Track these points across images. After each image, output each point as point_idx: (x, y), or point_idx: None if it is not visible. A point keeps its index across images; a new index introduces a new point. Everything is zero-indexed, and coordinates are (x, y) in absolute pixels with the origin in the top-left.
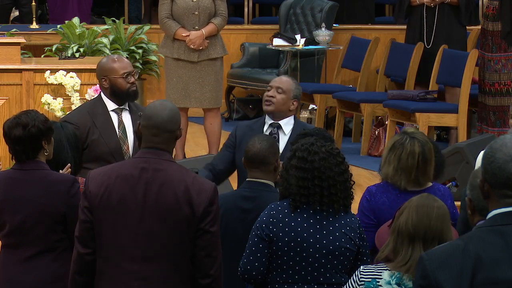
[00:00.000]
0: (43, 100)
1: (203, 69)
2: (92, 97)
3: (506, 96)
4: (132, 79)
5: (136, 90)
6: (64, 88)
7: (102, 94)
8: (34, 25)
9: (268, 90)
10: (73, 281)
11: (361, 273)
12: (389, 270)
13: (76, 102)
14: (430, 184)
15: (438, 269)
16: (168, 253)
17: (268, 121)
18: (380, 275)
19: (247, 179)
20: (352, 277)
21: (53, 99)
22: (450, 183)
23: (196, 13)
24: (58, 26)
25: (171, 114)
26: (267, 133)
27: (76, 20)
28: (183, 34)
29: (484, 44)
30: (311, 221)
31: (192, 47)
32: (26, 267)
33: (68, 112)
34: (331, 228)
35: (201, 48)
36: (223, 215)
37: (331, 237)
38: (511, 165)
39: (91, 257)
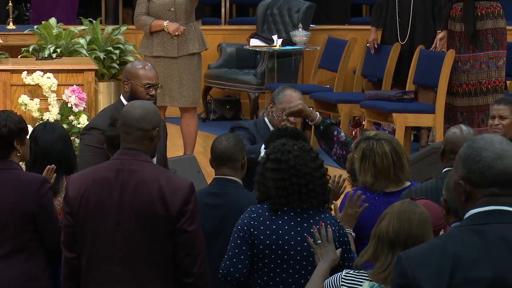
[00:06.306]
0: (20, 100)
1: (182, 66)
2: (69, 97)
3: (474, 96)
4: (153, 92)
5: (154, 103)
6: (41, 89)
7: (122, 98)
8: (11, 26)
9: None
10: (64, 286)
11: (342, 279)
12: (369, 280)
13: (53, 102)
14: (408, 183)
15: (416, 268)
16: (148, 254)
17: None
18: (361, 285)
19: (215, 176)
20: (333, 278)
21: (30, 99)
22: None
23: (172, 9)
24: (35, 26)
25: (143, 112)
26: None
27: (53, 20)
28: (159, 23)
29: (452, 45)
30: (292, 223)
31: (171, 32)
32: None
33: (92, 119)
34: (311, 230)
35: (177, 33)
36: None
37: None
38: (499, 162)
39: (77, 261)
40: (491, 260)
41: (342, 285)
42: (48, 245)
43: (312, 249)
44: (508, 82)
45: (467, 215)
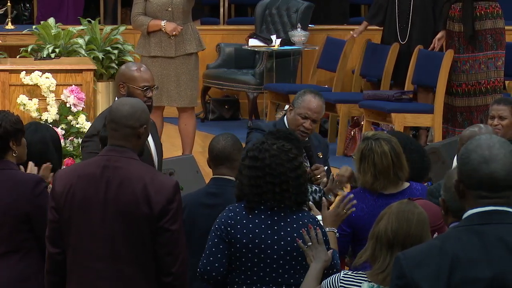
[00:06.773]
0: (18, 100)
1: (179, 66)
2: (68, 97)
3: (473, 96)
4: (150, 94)
5: (151, 105)
6: (40, 89)
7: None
8: (10, 26)
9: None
10: (47, 280)
11: (341, 280)
12: (368, 281)
13: (51, 103)
14: (408, 184)
15: (415, 268)
16: (131, 252)
17: None
18: (359, 285)
19: (212, 176)
20: (330, 279)
21: (29, 99)
22: (426, 184)
23: (170, 9)
24: (34, 26)
25: (132, 110)
26: None
27: (51, 20)
28: (157, 23)
29: (451, 45)
30: (269, 222)
31: (168, 32)
32: None
33: (91, 125)
34: (288, 229)
35: (174, 33)
36: (188, 213)
37: (288, 238)
38: (484, 166)
39: (61, 257)
40: (491, 260)
41: (341, 286)
42: (43, 245)
43: (289, 248)
44: (507, 82)
45: (465, 215)
